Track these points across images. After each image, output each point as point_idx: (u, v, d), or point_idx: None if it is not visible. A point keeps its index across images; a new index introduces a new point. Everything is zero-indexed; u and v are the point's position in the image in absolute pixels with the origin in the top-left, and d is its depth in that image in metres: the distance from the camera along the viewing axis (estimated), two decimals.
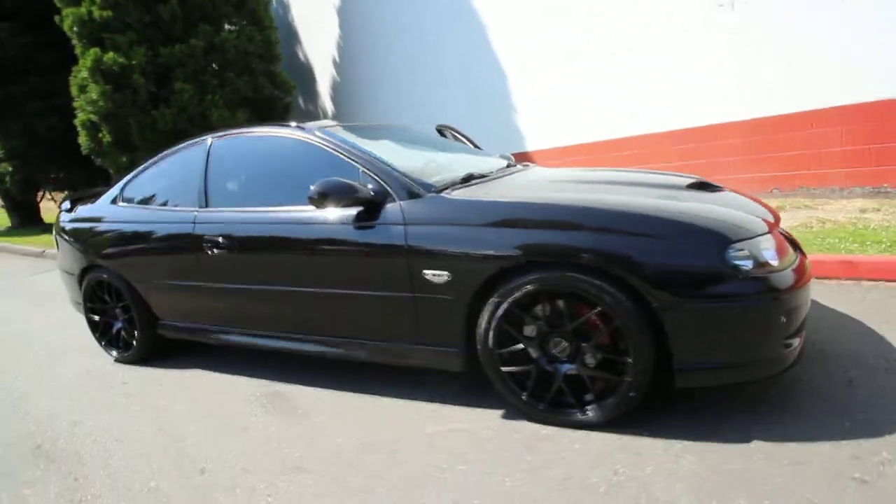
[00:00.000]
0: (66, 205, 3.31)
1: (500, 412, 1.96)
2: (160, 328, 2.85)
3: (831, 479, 1.41)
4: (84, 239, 3.03)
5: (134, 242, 2.79)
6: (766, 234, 1.69)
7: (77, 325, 4.07)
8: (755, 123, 4.72)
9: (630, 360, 1.64)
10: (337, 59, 10.53)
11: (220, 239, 2.39)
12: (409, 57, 8.69)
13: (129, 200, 2.92)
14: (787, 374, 1.74)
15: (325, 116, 11.46)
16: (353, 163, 2.14)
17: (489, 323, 1.82)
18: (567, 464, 1.60)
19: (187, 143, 2.80)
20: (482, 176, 2.26)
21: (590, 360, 1.74)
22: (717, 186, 2.12)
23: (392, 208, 1.99)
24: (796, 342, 1.68)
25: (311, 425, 2.06)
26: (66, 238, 3.19)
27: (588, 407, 1.75)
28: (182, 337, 2.82)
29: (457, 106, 7.97)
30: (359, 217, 2.04)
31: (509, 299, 1.76)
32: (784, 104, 4.50)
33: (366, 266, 2.05)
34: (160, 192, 2.83)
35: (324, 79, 11.13)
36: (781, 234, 1.88)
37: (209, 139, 2.66)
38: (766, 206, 2.04)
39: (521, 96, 7.08)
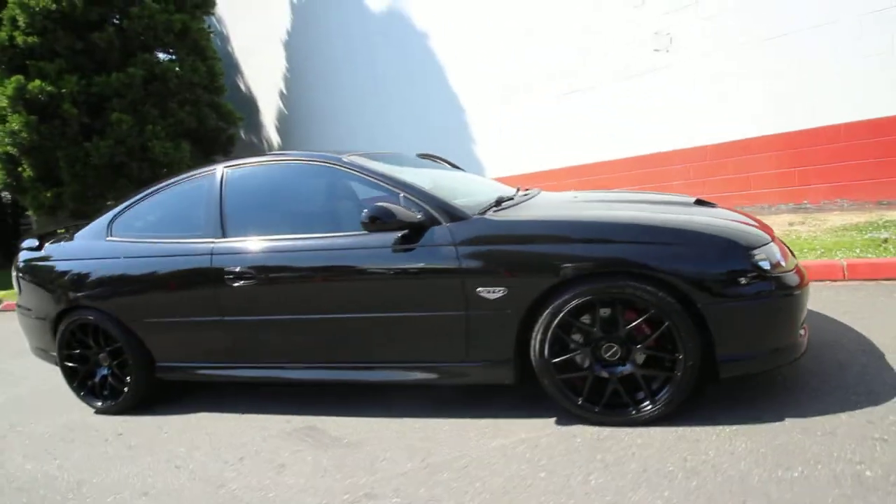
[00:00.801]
0: (32, 242, 2.99)
1: (551, 420, 2.05)
2: (158, 371, 2.64)
3: (859, 442, 1.65)
4: (62, 279, 2.75)
5: (131, 279, 2.59)
6: (772, 241, 1.99)
7: (30, 377, 3.63)
8: (700, 150, 5.38)
9: (681, 357, 1.82)
10: (284, 90, 10.45)
11: (245, 269, 2.31)
12: (359, 91, 8.82)
13: (121, 235, 2.71)
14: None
15: (271, 147, 11.22)
16: (393, 189, 2.20)
17: (545, 333, 1.94)
18: (638, 458, 1.73)
19: (190, 173, 2.69)
20: (510, 199, 2.41)
21: (640, 360, 1.91)
22: (712, 203, 2.45)
23: (440, 231, 2.07)
24: (803, 332, 1.96)
25: (365, 454, 2.01)
26: (36, 279, 2.87)
27: (643, 404, 1.90)
28: (184, 378, 2.62)
29: (409, 137, 8.17)
30: (404, 240, 2.09)
31: (566, 309, 1.89)
32: (725, 134, 5.19)
33: (417, 287, 2.09)
34: (160, 225, 2.68)
35: (269, 110, 10.95)
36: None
37: (219, 168, 2.58)
38: (755, 219, 2.38)
39: (479, 130, 7.45)
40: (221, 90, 9.06)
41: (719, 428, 1.83)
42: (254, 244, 2.36)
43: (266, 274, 2.30)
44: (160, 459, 2.21)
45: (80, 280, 2.70)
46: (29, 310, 2.94)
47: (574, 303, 1.88)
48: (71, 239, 2.87)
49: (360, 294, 2.20)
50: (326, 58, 9.24)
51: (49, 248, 2.91)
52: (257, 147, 11.44)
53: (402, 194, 2.18)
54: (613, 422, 1.93)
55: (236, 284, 2.33)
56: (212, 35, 9.33)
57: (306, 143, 10.06)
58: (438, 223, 2.08)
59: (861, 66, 4.35)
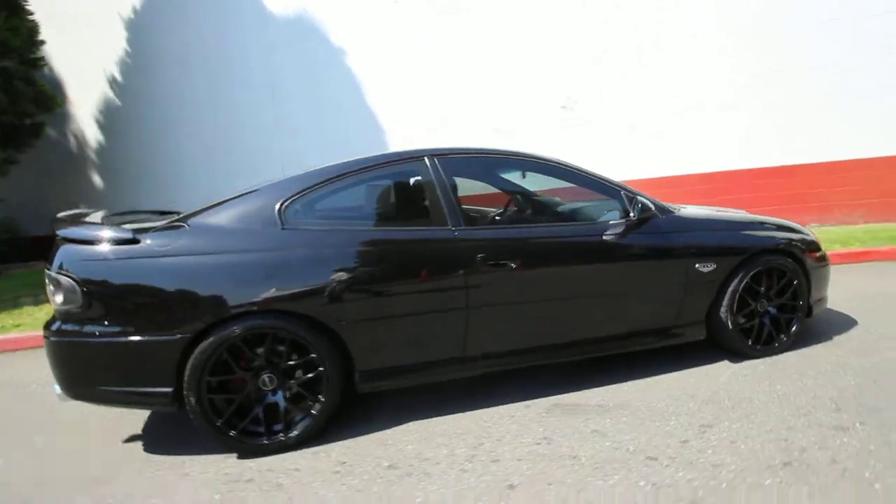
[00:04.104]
0: (122, 233, 2.08)
1: (725, 362, 2.78)
2: (362, 380, 2.26)
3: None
4: (216, 280, 2.06)
5: (342, 272, 2.19)
6: None
7: (36, 429, 2.56)
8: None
9: (801, 303, 2.86)
10: (118, 78, 8.40)
11: (501, 256, 2.34)
12: (255, 99, 7.90)
13: (303, 223, 2.23)
14: None
15: (85, 145, 8.80)
16: (615, 188, 2.65)
17: (733, 295, 2.70)
18: (807, 370, 2.62)
19: (380, 159, 2.44)
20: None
21: (777, 308, 2.87)
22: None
23: (662, 222, 2.63)
24: None
25: (647, 410, 2.33)
26: (149, 286, 2.04)
27: (781, 338, 2.84)
28: (391, 385, 2.34)
29: (312, 150, 7.76)
30: (639, 228, 2.57)
31: (748, 277, 2.72)
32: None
33: (652, 266, 2.60)
34: (358, 214, 2.38)
35: (85, 99, 8.57)
36: None
37: (425, 157, 2.46)
38: None
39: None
40: (39, 63, 6.75)
41: (815, 347, 2.92)
42: (503, 231, 2.41)
43: (521, 261, 2.38)
44: (456, 460, 1.99)
45: (255, 279, 2.09)
46: (122, 329, 2.02)
47: (753, 272, 2.73)
48: (186, 228, 2.15)
49: (606, 275, 2.55)
50: (201, 50, 7.95)
51: (161, 240, 2.10)
52: (61, 143, 8.70)
53: (622, 192, 2.65)
54: (766, 354, 2.81)
55: (491, 273, 2.32)
56: None
57: (158, 145, 8.26)
58: (657, 216, 2.64)
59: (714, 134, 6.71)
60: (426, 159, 2.46)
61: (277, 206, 2.25)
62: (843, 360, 2.72)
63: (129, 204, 7.95)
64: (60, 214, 2.30)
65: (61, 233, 2.13)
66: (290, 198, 2.28)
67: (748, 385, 2.51)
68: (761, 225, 2.90)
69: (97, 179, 8.86)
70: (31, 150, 7.50)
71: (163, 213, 2.84)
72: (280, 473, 2.02)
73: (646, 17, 6.90)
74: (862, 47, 6.19)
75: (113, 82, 8.39)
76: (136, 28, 8.18)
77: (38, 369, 3.71)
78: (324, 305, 2.17)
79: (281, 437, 2.16)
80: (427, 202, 2.39)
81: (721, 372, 2.69)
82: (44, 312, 5.05)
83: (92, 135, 8.66)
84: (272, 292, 2.11)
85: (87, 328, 2.05)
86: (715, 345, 2.87)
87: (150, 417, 2.64)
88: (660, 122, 6.91)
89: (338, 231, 2.28)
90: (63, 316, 2.09)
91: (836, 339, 3.03)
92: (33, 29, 6.47)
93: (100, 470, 2.15)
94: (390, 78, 7.52)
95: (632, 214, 2.57)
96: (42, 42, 6.83)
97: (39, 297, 5.60)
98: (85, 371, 2.10)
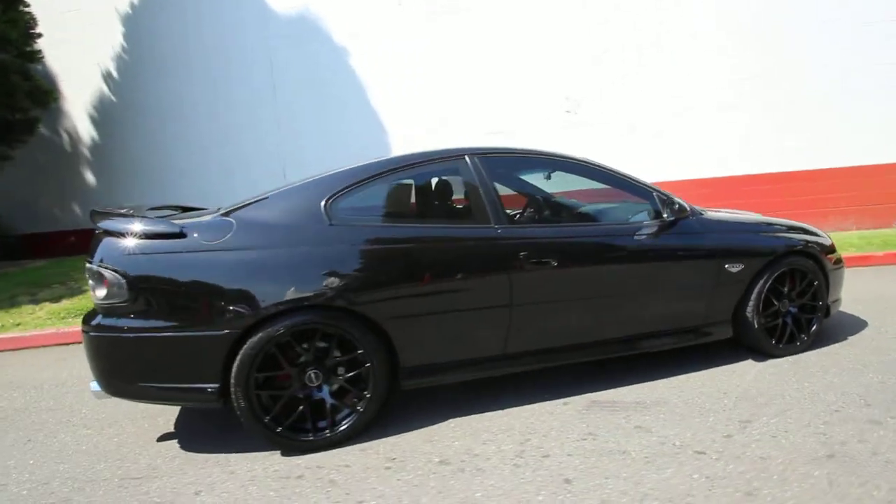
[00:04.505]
0: (169, 227, 2.04)
1: (749, 361, 2.85)
2: (405, 377, 2.26)
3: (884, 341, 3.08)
4: (261, 276, 2.04)
5: (390, 268, 2.20)
6: None
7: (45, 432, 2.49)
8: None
9: (821, 304, 2.95)
10: (115, 74, 8.21)
11: (543, 253, 2.36)
12: (255, 97, 7.80)
13: (348, 220, 2.23)
14: None
15: (78, 142, 8.58)
16: (647, 189, 2.70)
17: (759, 296, 2.77)
18: (832, 367, 2.70)
19: (417, 158, 2.45)
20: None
21: (798, 308, 2.95)
22: None
23: (694, 223, 2.69)
24: None
25: (684, 404, 2.38)
26: (196, 280, 2.02)
27: (802, 338, 2.92)
28: (433, 382, 2.35)
29: (316, 150, 7.72)
30: (672, 229, 2.62)
31: (773, 277, 2.79)
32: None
33: (686, 266, 2.65)
34: (400, 211, 2.37)
35: (79, 95, 8.33)
36: None
37: (466, 156, 2.47)
38: None
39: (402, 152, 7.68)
40: (36, 56, 6.57)
41: (833, 347, 3.01)
42: (544, 230, 2.44)
43: (562, 259, 2.40)
44: (510, 453, 2.00)
45: (304, 275, 2.08)
46: (168, 324, 1.99)
47: (778, 272, 2.80)
48: (234, 222, 2.13)
49: (643, 273, 2.59)
50: (199, 47, 7.83)
51: (209, 234, 2.06)
52: (54, 139, 8.47)
53: (655, 194, 2.70)
54: (788, 352, 2.88)
55: (533, 271, 2.34)
56: None
57: (153, 142, 8.11)
58: (689, 217, 2.70)
59: (694, 143, 6.86)
60: (467, 158, 2.47)
61: (323, 203, 2.23)
62: (862, 358, 2.82)
63: (120, 201, 7.81)
64: (100, 209, 2.25)
65: (103, 225, 2.09)
66: (335, 194, 2.27)
67: (776, 382, 2.58)
68: (780, 227, 2.98)
69: (90, 177, 8.64)
70: (23, 147, 7.29)
71: (185, 209, 2.80)
72: (330, 470, 2.01)
73: (646, 17, 7.00)
74: (862, 47, 6.36)
75: (108, 78, 8.20)
76: (134, 23, 8.01)
77: (47, 369, 3.62)
78: (370, 301, 2.16)
79: (327, 433, 2.15)
80: (470, 200, 2.41)
81: (747, 370, 2.76)
82: (44, 311, 4.91)
83: (85, 131, 8.44)
84: (320, 288, 2.10)
85: (130, 323, 2.02)
86: (739, 344, 2.93)
87: (180, 415, 2.59)
88: (660, 122, 7.03)
89: (381, 227, 2.29)
90: (105, 310, 2.05)
91: (851, 339, 3.13)
92: (30, 21, 6.29)
93: (139, 468, 2.10)
94: (390, 78, 7.51)
95: (665, 215, 2.63)
96: (39, 35, 6.64)
97: (37, 296, 5.45)
98: (126, 367, 2.06)
